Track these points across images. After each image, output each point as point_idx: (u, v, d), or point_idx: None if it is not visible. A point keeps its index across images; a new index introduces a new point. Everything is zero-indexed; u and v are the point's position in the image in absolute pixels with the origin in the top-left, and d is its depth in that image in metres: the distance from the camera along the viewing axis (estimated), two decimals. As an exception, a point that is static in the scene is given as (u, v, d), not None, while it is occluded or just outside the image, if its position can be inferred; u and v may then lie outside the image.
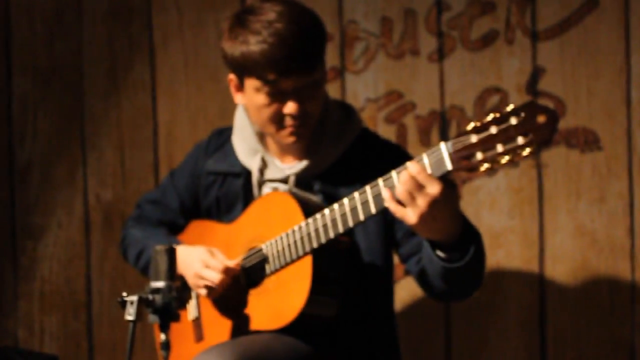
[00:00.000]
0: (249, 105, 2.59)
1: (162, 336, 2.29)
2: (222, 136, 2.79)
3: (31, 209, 3.72)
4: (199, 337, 2.70)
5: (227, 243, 2.65)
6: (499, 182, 3.21)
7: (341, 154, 2.61)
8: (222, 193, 2.73)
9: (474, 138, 2.15)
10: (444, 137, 3.25)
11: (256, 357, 2.43)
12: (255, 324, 2.56)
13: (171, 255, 2.31)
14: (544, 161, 3.18)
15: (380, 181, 2.33)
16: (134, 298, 2.27)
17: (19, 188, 3.73)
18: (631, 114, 3.11)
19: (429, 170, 2.22)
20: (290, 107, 2.52)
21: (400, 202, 2.25)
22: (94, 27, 3.65)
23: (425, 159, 2.24)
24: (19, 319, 3.74)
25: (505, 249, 3.22)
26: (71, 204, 3.68)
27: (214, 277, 2.56)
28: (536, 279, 3.20)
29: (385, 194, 2.28)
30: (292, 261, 2.50)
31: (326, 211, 2.44)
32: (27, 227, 3.73)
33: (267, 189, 2.66)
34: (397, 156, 2.52)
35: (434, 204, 2.21)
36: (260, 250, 2.58)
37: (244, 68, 2.52)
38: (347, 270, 2.54)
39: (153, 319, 2.29)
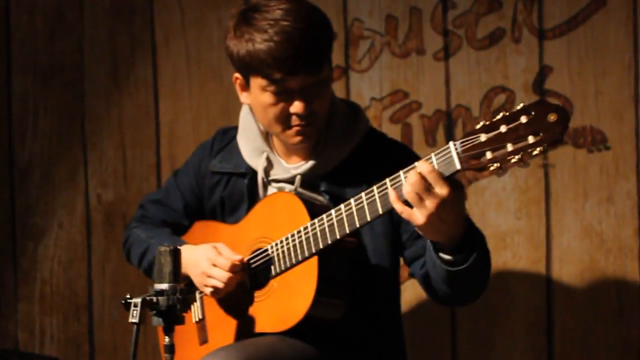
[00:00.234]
0: (254, 104, 2.56)
1: (166, 339, 2.27)
2: (227, 136, 2.77)
3: (31, 210, 3.72)
4: (203, 339, 2.67)
5: (232, 244, 2.62)
6: (505, 183, 3.19)
7: (348, 154, 2.58)
8: (227, 193, 2.71)
9: (483, 137, 2.13)
10: (450, 137, 3.24)
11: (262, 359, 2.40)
12: (260, 326, 2.53)
13: (175, 256, 2.29)
14: (551, 161, 3.16)
15: (387, 181, 2.30)
16: (138, 300, 2.23)
17: (19, 188, 3.73)
18: (639, 113, 3.08)
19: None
20: (296, 107, 2.49)
21: (407, 203, 2.22)
22: (95, 25, 3.64)
23: (434, 158, 2.21)
24: (19, 321, 3.74)
25: (511, 250, 3.20)
26: (72, 205, 3.68)
27: (222, 275, 2.53)
28: (543, 280, 3.18)
29: (392, 194, 2.25)
30: (298, 262, 2.47)
31: (332, 212, 2.41)
32: (28, 228, 3.73)
33: (272, 189, 2.64)
34: (404, 156, 2.49)
35: (442, 205, 2.18)
36: (266, 251, 2.55)
37: (249, 67, 2.49)
38: (353, 271, 2.51)
39: (157, 321, 2.27)
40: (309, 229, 2.44)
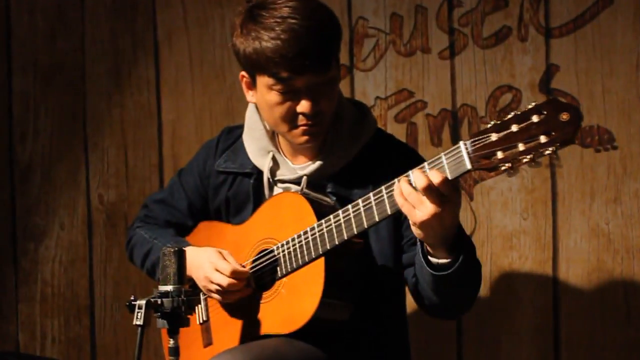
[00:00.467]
0: (260, 103, 2.54)
1: (171, 341, 2.25)
2: (232, 135, 2.74)
3: (32, 210, 3.71)
4: (208, 341, 2.65)
5: (237, 245, 2.60)
6: (511, 182, 3.18)
7: (355, 155, 2.55)
8: (232, 193, 2.68)
9: (494, 136, 2.10)
10: (456, 137, 3.22)
11: (267, 362, 2.38)
12: (265, 328, 2.51)
13: (180, 257, 2.27)
14: (555, 161, 3.14)
15: (396, 182, 2.27)
16: (142, 302, 2.20)
17: (20, 189, 3.72)
18: (647, 113, 3.08)
19: (447, 172, 2.17)
20: (303, 106, 2.46)
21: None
22: (96, 24, 3.64)
23: (444, 158, 2.18)
24: (20, 322, 3.73)
25: (517, 251, 3.19)
26: (73, 205, 3.67)
27: (224, 280, 2.51)
28: (550, 281, 3.16)
29: (397, 187, 2.23)
30: (305, 264, 2.44)
31: (340, 212, 2.39)
32: (28, 229, 3.72)
33: (278, 189, 2.61)
34: (411, 158, 2.48)
35: (445, 207, 2.18)
36: (272, 252, 2.52)
37: (256, 65, 2.46)
38: (360, 273, 2.48)
39: (162, 323, 2.25)
40: (316, 229, 2.42)
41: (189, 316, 2.28)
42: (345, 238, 2.38)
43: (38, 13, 3.68)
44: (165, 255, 2.27)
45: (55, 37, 3.66)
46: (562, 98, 3.10)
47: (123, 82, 3.60)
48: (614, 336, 3.10)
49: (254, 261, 2.56)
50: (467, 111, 3.22)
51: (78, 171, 3.65)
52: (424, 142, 3.25)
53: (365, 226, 2.35)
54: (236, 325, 2.58)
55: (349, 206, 2.37)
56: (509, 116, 2.09)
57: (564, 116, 2.03)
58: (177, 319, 2.24)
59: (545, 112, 2.04)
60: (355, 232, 2.37)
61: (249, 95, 2.57)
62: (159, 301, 2.23)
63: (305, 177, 2.55)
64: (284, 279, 2.49)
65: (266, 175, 2.61)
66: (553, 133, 2.03)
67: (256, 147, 2.64)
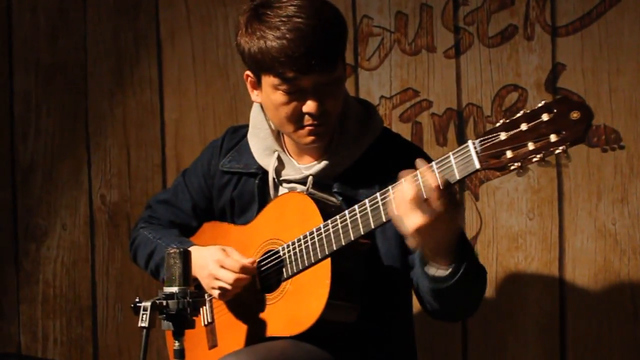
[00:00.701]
0: (266, 103, 2.52)
1: (176, 343, 2.23)
2: (237, 134, 2.73)
3: (34, 210, 3.71)
4: (213, 343, 2.63)
5: (242, 245, 2.58)
6: (517, 182, 3.17)
7: (361, 155, 2.53)
8: (237, 193, 2.66)
9: (503, 135, 2.08)
10: (461, 136, 3.21)
11: (274, 364, 2.37)
12: (271, 330, 2.49)
13: (185, 258, 2.26)
14: (564, 160, 3.12)
15: (403, 181, 2.24)
16: (148, 304, 2.18)
17: (22, 189, 3.72)
18: (654, 112, 3.07)
19: (456, 172, 2.14)
20: (309, 106, 2.44)
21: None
22: (98, 23, 3.63)
23: (452, 157, 2.16)
24: (22, 323, 3.72)
25: (523, 251, 3.17)
26: (75, 205, 3.67)
27: (230, 277, 2.49)
28: (556, 282, 3.14)
29: (392, 195, 2.23)
30: (311, 265, 2.42)
31: (346, 212, 2.37)
32: (30, 229, 3.72)
33: (283, 189, 2.60)
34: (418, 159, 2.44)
35: (436, 218, 2.16)
36: (277, 253, 2.50)
37: (261, 65, 2.44)
38: (366, 274, 2.46)
39: (167, 325, 2.23)
40: (322, 230, 2.40)
41: (194, 318, 2.26)
42: (352, 239, 2.36)
43: (40, 12, 3.67)
44: (170, 256, 2.26)
45: (57, 36, 3.66)
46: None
47: (125, 81, 3.59)
48: (621, 337, 3.08)
49: (259, 262, 2.54)
50: (472, 110, 3.21)
51: (80, 171, 3.65)
52: (429, 141, 3.24)
53: (372, 227, 2.34)
54: (241, 327, 2.56)
55: (356, 206, 2.35)
56: (518, 115, 2.07)
57: (575, 114, 2.01)
58: (183, 321, 2.23)
59: (555, 111, 2.02)
60: (362, 233, 2.35)
61: (254, 95, 2.55)
62: (165, 303, 2.21)
63: (311, 177, 2.53)
64: (290, 280, 2.47)
65: (271, 175, 2.59)
66: (563, 132, 2.01)
67: (261, 146, 2.62)
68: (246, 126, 2.69)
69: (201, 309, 2.54)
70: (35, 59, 3.68)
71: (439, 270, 2.28)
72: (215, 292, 2.54)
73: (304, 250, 2.43)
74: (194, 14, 3.50)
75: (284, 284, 2.48)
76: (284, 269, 2.48)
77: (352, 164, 2.53)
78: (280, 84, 2.43)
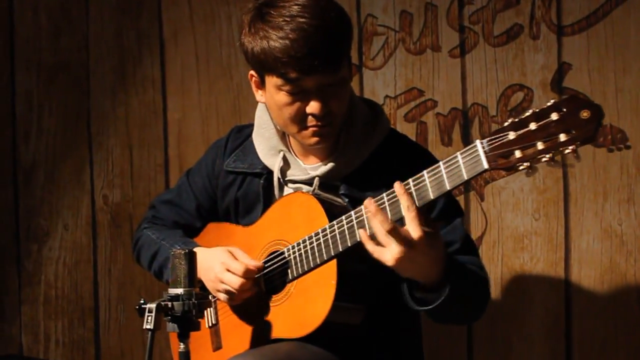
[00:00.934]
0: (270, 103, 2.50)
1: (181, 345, 2.21)
2: (242, 134, 2.71)
3: (36, 211, 3.70)
4: (217, 345, 2.61)
5: (246, 246, 2.55)
6: (522, 183, 3.15)
7: (368, 156, 2.51)
8: (242, 194, 2.64)
9: (511, 135, 2.06)
10: (466, 136, 3.20)
11: (279, 367, 2.35)
12: (276, 332, 2.47)
13: (191, 259, 2.24)
14: (570, 160, 3.11)
15: (410, 181, 2.22)
16: (153, 305, 2.16)
17: (23, 189, 3.71)
18: (661, 112, 3.06)
19: (464, 173, 2.12)
20: (313, 107, 2.41)
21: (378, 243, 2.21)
22: (101, 22, 3.62)
23: (459, 157, 2.14)
24: (23, 325, 3.72)
25: (529, 252, 3.16)
26: (77, 206, 3.66)
27: (236, 281, 2.47)
28: (562, 283, 3.13)
29: (363, 234, 2.23)
30: (317, 266, 2.40)
31: (352, 213, 2.34)
32: (32, 230, 3.71)
33: (288, 190, 2.58)
34: (425, 160, 2.41)
35: (412, 249, 2.16)
36: (282, 254, 2.48)
37: (264, 65, 2.42)
38: (372, 275, 2.44)
39: (172, 327, 2.22)
40: (328, 231, 2.38)
41: (200, 320, 2.24)
42: (358, 239, 2.32)
43: (41, 11, 3.67)
44: (175, 257, 2.24)
45: (59, 35, 3.65)
46: (574, 97, 3.08)
47: (128, 81, 3.59)
48: (627, 338, 3.07)
49: (264, 263, 2.51)
50: (477, 110, 3.19)
51: (82, 171, 3.64)
52: (434, 141, 3.23)
53: (379, 227, 2.31)
54: (246, 328, 2.54)
55: (362, 207, 2.32)
56: (527, 114, 2.05)
57: (585, 113, 1.99)
58: (188, 323, 2.21)
59: (564, 110, 2.00)
60: (369, 233, 2.32)
61: (258, 95, 2.53)
62: (170, 304, 2.19)
63: (317, 179, 2.51)
64: (295, 281, 2.45)
65: (276, 175, 2.57)
66: (573, 131, 1.99)
67: (266, 146, 2.60)
68: (251, 126, 2.67)
69: (205, 310, 2.53)
70: (37, 58, 3.67)
71: (428, 293, 2.28)
72: (222, 296, 2.52)
73: (309, 251, 2.40)
74: (197, 13, 3.49)
75: (289, 285, 2.46)
76: (289, 270, 2.45)
77: (358, 165, 2.51)
78: (283, 84, 2.40)
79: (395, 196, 2.22)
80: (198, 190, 2.74)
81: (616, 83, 3.06)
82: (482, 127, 3.17)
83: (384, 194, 2.25)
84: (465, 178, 2.13)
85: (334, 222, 2.37)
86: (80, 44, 3.63)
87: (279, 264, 2.48)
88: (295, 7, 2.38)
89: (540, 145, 2.02)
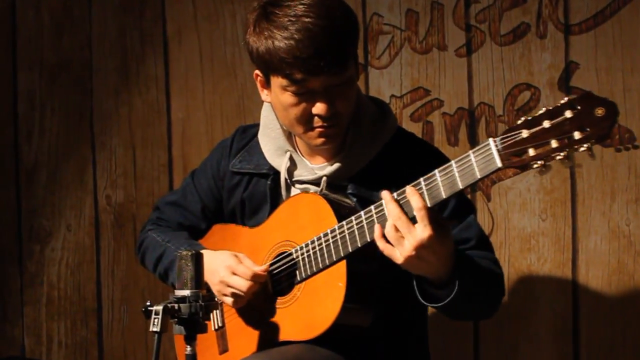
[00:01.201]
0: (275, 103, 2.47)
1: (188, 348, 2.20)
2: (247, 134, 2.68)
3: (38, 211, 3.69)
4: (223, 348, 2.58)
5: (253, 248, 2.53)
6: (530, 183, 3.14)
7: (375, 155, 2.49)
8: (248, 194, 2.62)
9: (525, 133, 2.04)
10: (473, 136, 3.18)
11: (288, 369, 2.33)
12: (284, 335, 2.44)
13: (198, 261, 2.22)
14: (577, 160, 3.08)
15: (422, 180, 2.20)
16: (159, 308, 2.14)
17: (26, 189, 3.70)
18: (669, 111, 3.04)
19: (477, 171, 2.10)
20: (319, 108, 2.39)
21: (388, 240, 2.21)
22: (103, 20, 3.61)
23: (472, 156, 2.12)
24: (26, 326, 3.71)
25: (536, 253, 3.14)
26: (80, 206, 3.65)
27: (242, 285, 2.44)
28: (569, 283, 3.11)
29: (377, 230, 2.23)
30: (325, 267, 2.38)
31: (362, 213, 2.32)
32: (34, 230, 3.70)
33: (295, 190, 2.55)
34: (434, 157, 2.42)
35: (423, 247, 2.16)
36: (290, 255, 2.45)
37: (269, 65, 2.39)
38: (382, 276, 2.41)
39: (178, 329, 2.20)
40: (337, 231, 2.35)
41: (206, 322, 2.22)
42: (368, 240, 2.30)
43: (44, 10, 3.66)
44: (182, 259, 2.22)
45: (62, 34, 3.64)
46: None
47: (131, 80, 3.57)
48: (635, 339, 3.05)
49: (271, 265, 2.49)
50: (484, 110, 3.18)
51: (85, 171, 3.63)
52: (440, 141, 3.21)
53: (389, 226, 2.29)
54: (253, 331, 2.52)
55: (372, 207, 2.30)
56: (541, 112, 2.03)
57: (599, 111, 1.97)
58: (195, 325, 2.19)
59: (579, 107, 1.99)
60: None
61: (264, 95, 2.50)
62: (177, 306, 2.17)
63: (324, 178, 2.49)
64: (303, 283, 2.43)
65: (283, 175, 2.54)
66: (588, 129, 1.97)
67: (273, 146, 2.57)
68: (256, 125, 2.65)
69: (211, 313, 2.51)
70: (40, 57, 3.66)
71: (438, 289, 2.26)
72: (228, 300, 2.49)
73: (318, 252, 2.38)
74: (201, 11, 3.48)
75: (297, 286, 2.44)
76: (297, 272, 2.43)
77: (366, 164, 2.48)
78: (288, 85, 2.38)
79: (406, 197, 2.20)
80: (203, 192, 2.72)
81: (624, 82, 3.04)
82: (489, 126, 3.16)
83: (395, 193, 2.23)
84: (479, 177, 2.11)
85: (344, 222, 2.34)
86: (82, 43, 3.62)
87: (286, 265, 2.46)
88: (301, 6, 2.35)
89: (554, 143, 2.01)
